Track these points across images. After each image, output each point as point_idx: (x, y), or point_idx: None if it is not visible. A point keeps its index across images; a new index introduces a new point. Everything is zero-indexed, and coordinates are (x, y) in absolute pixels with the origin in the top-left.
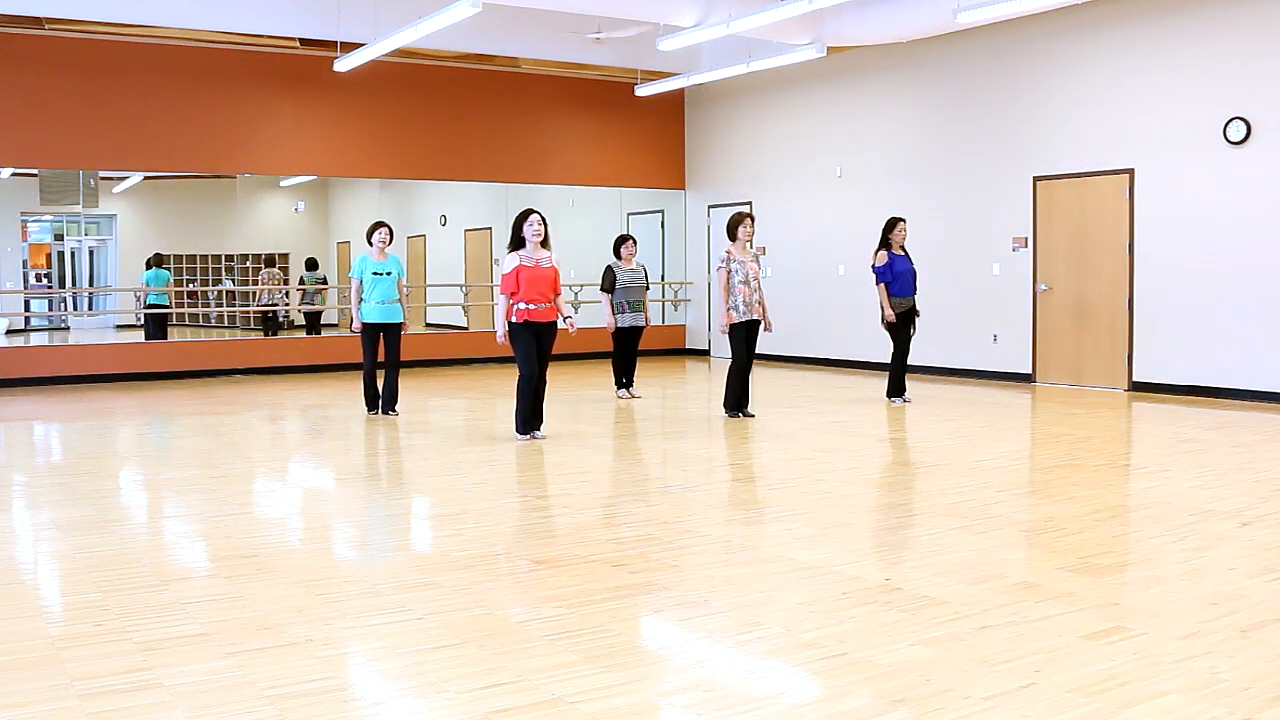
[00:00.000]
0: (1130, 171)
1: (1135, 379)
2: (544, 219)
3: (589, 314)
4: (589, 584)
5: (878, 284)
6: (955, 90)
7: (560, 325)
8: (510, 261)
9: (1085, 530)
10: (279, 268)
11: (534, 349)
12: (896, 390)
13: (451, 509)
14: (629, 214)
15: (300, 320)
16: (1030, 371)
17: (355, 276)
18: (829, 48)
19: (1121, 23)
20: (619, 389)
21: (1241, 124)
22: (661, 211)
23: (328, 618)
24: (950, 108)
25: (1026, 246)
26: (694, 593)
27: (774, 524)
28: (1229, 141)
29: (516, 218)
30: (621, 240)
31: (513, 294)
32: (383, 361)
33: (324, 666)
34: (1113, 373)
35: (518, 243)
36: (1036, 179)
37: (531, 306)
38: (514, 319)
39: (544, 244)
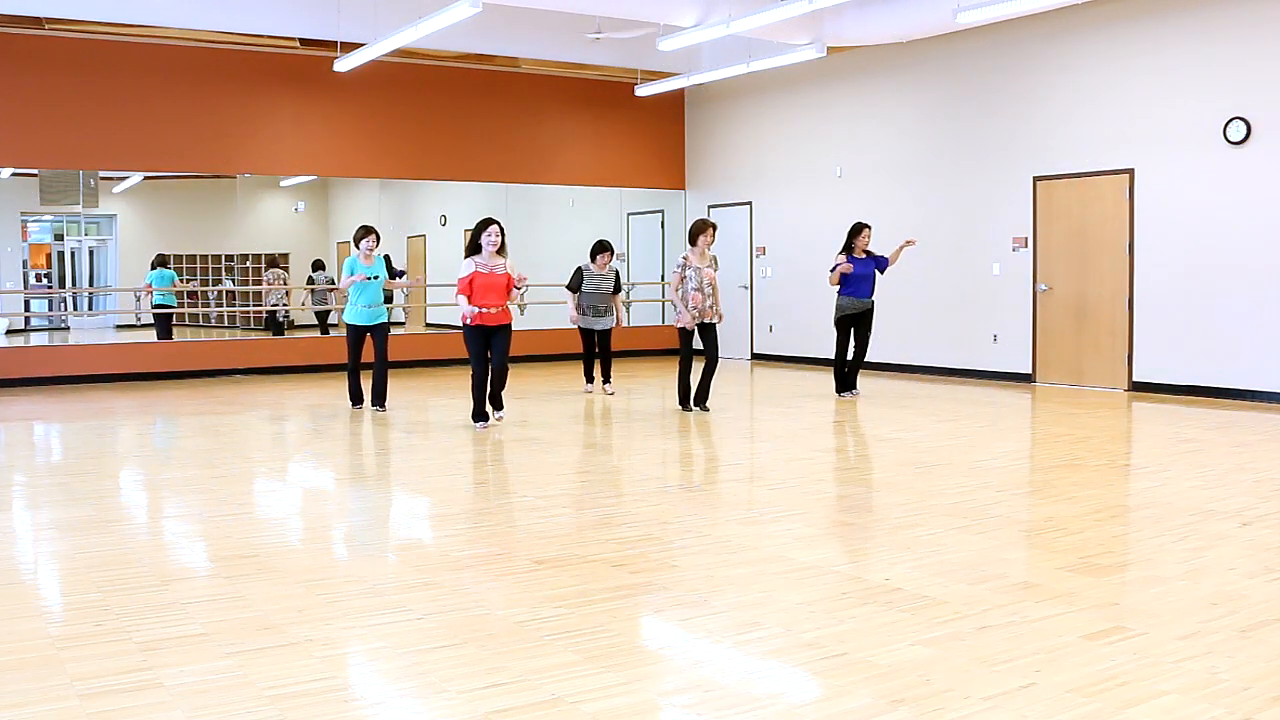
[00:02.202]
0: (1130, 171)
1: (1135, 379)
2: (502, 229)
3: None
4: (589, 584)
5: (832, 270)
6: (955, 90)
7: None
8: (466, 267)
9: (1085, 530)
10: (281, 268)
11: (485, 349)
12: (847, 385)
13: (451, 509)
14: (629, 214)
15: (301, 320)
16: (1030, 371)
17: (349, 274)
18: (829, 48)
19: (1121, 23)
20: (588, 382)
21: (1241, 124)
22: (661, 211)
23: (328, 618)
24: (950, 108)
25: (1026, 246)
26: (694, 593)
27: (774, 524)
28: (1229, 141)
29: (476, 226)
30: (600, 248)
31: (468, 297)
32: (369, 362)
33: (324, 666)
34: (1113, 373)
35: (474, 249)
36: (1036, 179)
37: (484, 310)
38: (468, 321)
39: (500, 252)
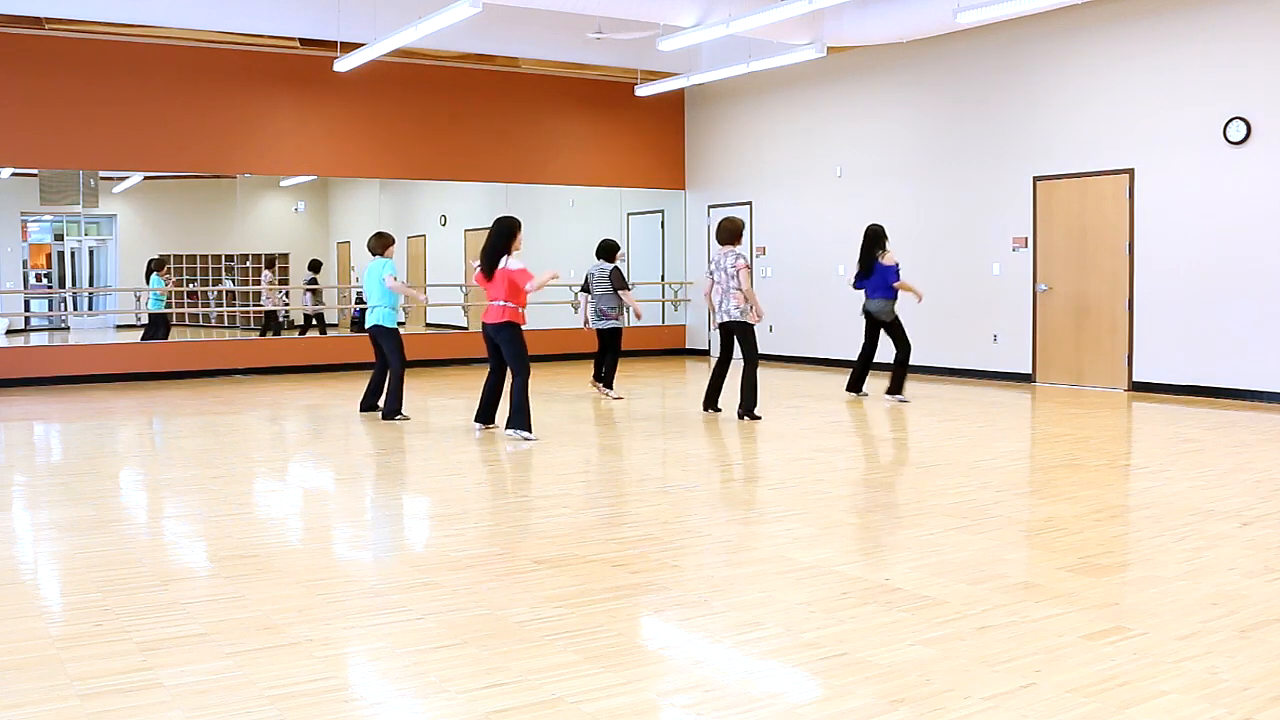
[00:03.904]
0: (1130, 171)
1: (1135, 379)
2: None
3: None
4: (589, 584)
5: (898, 281)
6: (955, 90)
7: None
8: (517, 262)
9: (1085, 530)
10: (277, 268)
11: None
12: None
13: (451, 509)
14: (629, 214)
15: (298, 321)
16: (1030, 371)
17: (394, 273)
18: (829, 48)
19: (1121, 23)
20: (608, 387)
21: (1241, 124)
22: (661, 211)
23: (328, 618)
24: (950, 108)
25: (1026, 246)
26: (694, 593)
27: (774, 524)
28: (1229, 141)
29: (517, 224)
30: (616, 246)
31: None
32: (373, 364)
33: (324, 666)
34: (1113, 373)
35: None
36: (1036, 179)
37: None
38: (522, 322)
39: None
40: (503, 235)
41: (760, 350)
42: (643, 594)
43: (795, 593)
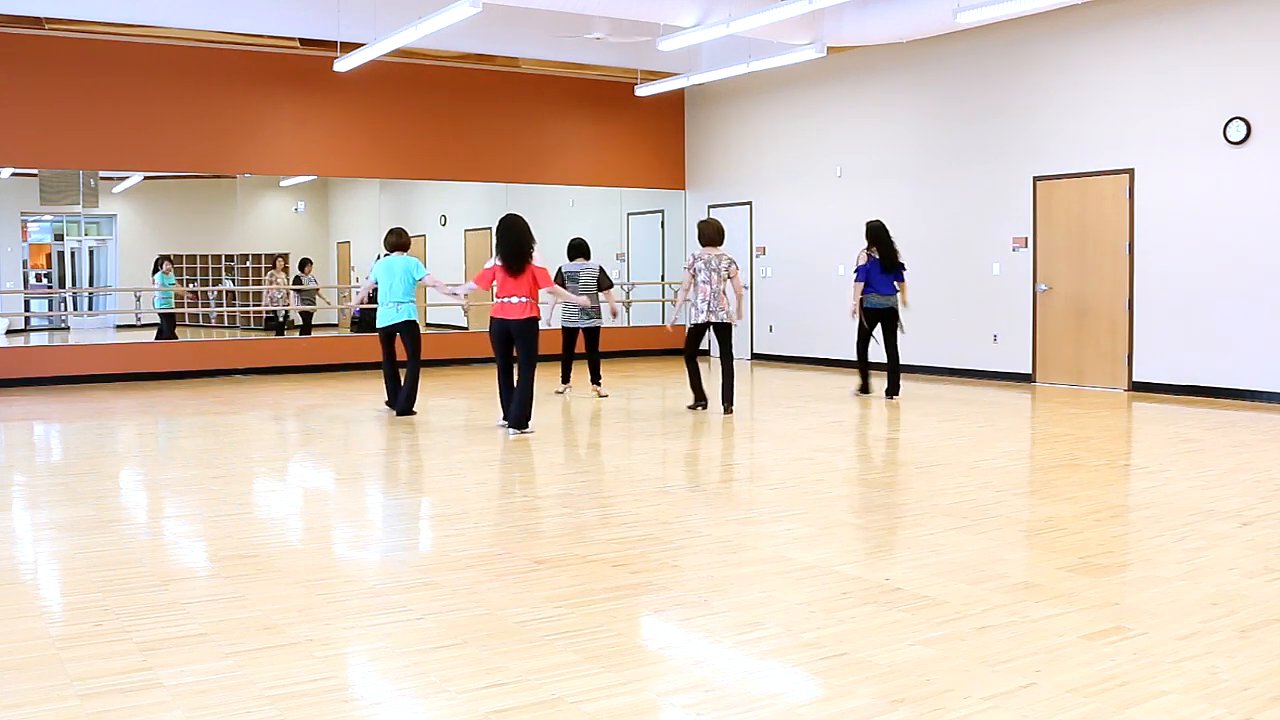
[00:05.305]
0: (1130, 171)
1: (1135, 379)
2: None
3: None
4: (589, 584)
5: (902, 281)
6: (955, 90)
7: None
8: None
9: (1085, 530)
10: (280, 266)
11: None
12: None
13: (451, 509)
14: (629, 214)
15: (298, 320)
16: (1030, 371)
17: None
18: (829, 48)
19: (1121, 23)
20: (592, 384)
21: (1241, 124)
22: (661, 211)
23: (328, 618)
24: (950, 108)
25: (1026, 246)
26: (694, 593)
27: (774, 524)
28: (1229, 141)
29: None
30: (586, 245)
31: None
32: (404, 361)
33: (324, 666)
34: (1113, 373)
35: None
36: (1036, 179)
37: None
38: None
39: None
40: (527, 232)
41: (760, 350)
42: (643, 594)
43: (795, 593)
